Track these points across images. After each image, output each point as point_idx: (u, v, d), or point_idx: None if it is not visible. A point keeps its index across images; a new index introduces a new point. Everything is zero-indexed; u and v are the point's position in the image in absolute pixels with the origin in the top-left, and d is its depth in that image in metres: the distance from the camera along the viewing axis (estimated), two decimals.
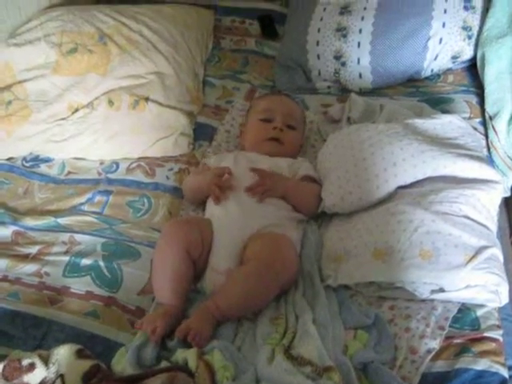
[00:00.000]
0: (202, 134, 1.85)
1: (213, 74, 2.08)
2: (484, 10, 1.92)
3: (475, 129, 1.64)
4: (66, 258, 1.43)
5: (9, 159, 1.79)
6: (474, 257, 1.26)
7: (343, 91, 1.99)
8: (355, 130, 1.56)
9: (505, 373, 1.12)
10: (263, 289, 1.27)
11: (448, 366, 1.14)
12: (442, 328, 1.20)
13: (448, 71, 1.98)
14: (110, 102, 1.79)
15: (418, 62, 1.91)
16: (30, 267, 1.42)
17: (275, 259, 1.29)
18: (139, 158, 1.76)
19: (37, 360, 1.08)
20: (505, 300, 1.25)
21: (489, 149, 1.68)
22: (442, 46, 1.90)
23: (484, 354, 1.14)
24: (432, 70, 1.95)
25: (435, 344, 1.17)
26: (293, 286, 1.33)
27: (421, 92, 1.91)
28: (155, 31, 1.94)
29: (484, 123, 1.74)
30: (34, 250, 1.47)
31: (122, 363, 1.16)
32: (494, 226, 1.37)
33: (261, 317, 1.27)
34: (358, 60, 1.93)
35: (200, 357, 1.12)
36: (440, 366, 1.15)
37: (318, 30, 1.99)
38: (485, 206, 1.36)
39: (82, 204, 1.61)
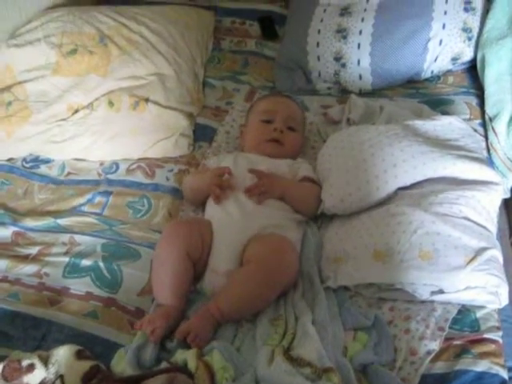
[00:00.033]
0: (201, 135, 1.85)
1: (213, 75, 2.09)
2: (484, 12, 1.92)
3: (475, 130, 1.63)
4: (66, 259, 1.43)
5: (9, 160, 1.80)
6: (473, 258, 1.26)
7: (343, 92, 1.99)
8: (355, 131, 1.56)
9: (504, 374, 1.12)
10: (264, 291, 1.28)
11: (448, 368, 1.14)
12: (441, 329, 1.20)
13: (448, 73, 1.98)
14: (110, 103, 1.79)
15: (418, 63, 1.92)
16: (30, 268, 1.42)
17: (276, 261, 1.29)
18: (139, 159, 1.76)
19: (36, 361, 1.09)
20: (504, 301, 1.25)
21: (489, 150, 1.68)
22: (442, 48, 1.90)
23: (484, 355, 1.14)
24: (432, 72, 1.95)
25: (435, 345, 1.17)
26: (292, 286, 1.33)
27: (421, 93, 1.91)
28: (155, 32, 1.95)
29: (484, 125, 1.74)
30: (33, 250, 1.47)
31: (122, 364, 1.16)
32: (493, 227, 1.37)
33: (260, 318, 1.27)
34: (358, 61, 1.93)
35: (199, 358, 1.13)
36: (440, 367, 1.15)
37: (318, 32, 1.99)
38: (485, 207, 1.36)
39: (81, 205, 1.61)
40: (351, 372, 1.11)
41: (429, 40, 1.89)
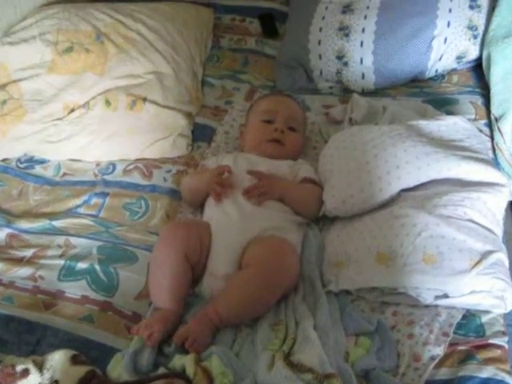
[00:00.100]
0: (200, 135, 1.85)
1: (212, 74, 2.09)
2: (490, 9, 1.93)
3: (480, 130, 1.64)
4: (61, 262, 1.43)
5: (3, 160, 1.80)
6: (479, 262, 1.26)
7: (345, 92, 1.99)
8: (357, 131, 1.56)
9: (510, 381, 1.12)
10: (264, 295, 1.28)
11: (452, 374, 1.14)
12: (446, 334, 1.20)
13: (453, 71, 1.98)
14: (107, 102, 1.79)
15: (422, 62, 1.92)
16: (25, 271, 1.42)
17: (276, 264, 1.29)
18: (136, 160, 1.76)
19: (31, 366, 1.09)
20: (510, 306, 1.25)
21: (494, 151, 1.68)
22: (446, 46, 1.91)
23: (489, 361, 1.14)
24: (436, 71, 1.96)
25: (439, 351, 1.17)
26: (293, 290, 1.33)
27: (425, 93, 1.91)
28: (153, 30, 1.95)
29: (490, 125, 1.75)
30: (28, 253, 1.47)
31: (118, 369, 1.16)
32: (499, 230, 1.37)
33: (260, 322, 1.27)
34: (361, 60, 1.93)
35: (198, 363, 1.13)
36: (444, 373, 1.15)
37: (320, 29, 1.99)
38: (490, 209, 1.36)
39: (77, 206, 1.62)
40: (353, 378, 1.11)
41: (433, 38, 1.90)
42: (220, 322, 1.25)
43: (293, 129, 1.67)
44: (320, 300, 1.29)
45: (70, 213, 1.60)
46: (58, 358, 1.11)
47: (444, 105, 1.80)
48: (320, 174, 1.57)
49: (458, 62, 1.96)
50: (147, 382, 1.08)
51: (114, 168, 1.74)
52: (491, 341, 1.18)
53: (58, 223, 1.55)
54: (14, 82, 1.82)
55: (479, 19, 1.92)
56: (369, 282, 1.31)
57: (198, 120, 1.90)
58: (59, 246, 1.48)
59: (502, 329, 1.21)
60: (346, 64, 1.95)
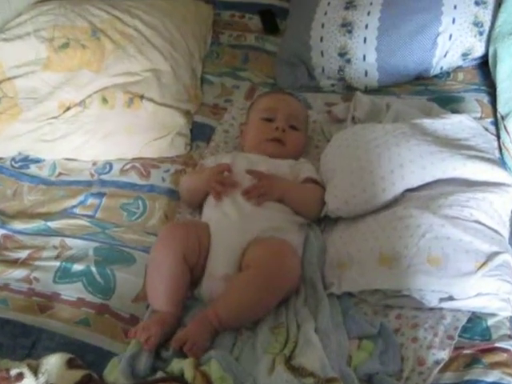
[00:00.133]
0: (199, 134, 1.86)
1: (211, 71, 2.09)
2: (496, 5, 1.92)
3: (486, 129, 1.64)
4: (57, 263, 1.43)
5: None
6: (485, 263, 1.26)
7: (348, 89, 1.99)
8: (360, 130, 1.56)
9: None
10: (264, 298, 1.28)
11: (457, 378, 1.14)
12: (451, 338, 1.20)
13: (458, 69, 1.98)
14: (104, 100, 1.79)
15: (427, 59, 1.92)
16: (19, 272, 1.42)
17: (276, 266, 1.29)
18: (134, 159, 1.76)
19: (26, 370, 1.09)
20: None
21: (501, 150, 1.68)
22: (451, 43, 1.91)
23: (495, 365, 1.14)
24: (441, 68, 1.96)
25: (444, 355, 1.17)
26: (294, 293, 1.34)
27: (429, 90, 1.91)
28: (150, 25, 1.95)
29: (496, 123, 1.74)
30: (23, 254, 1.48)
31: (115, 374, 1.16)
32: (505, 231, 1.37)
33: (260, 325, 1.27)
34: (364, 57, 1.93)
35: (197, 367, 1.13)
36: (449, 377, 1.15)
37: (322, 26, 1.99)
38: (497, 210, 1.36)
39: (73, 207, 1.62)
40: (356, 382, 1.11)
41: (438, 35, 1.90)
42: (220, 325, 1.25)
43: (294, 127, 1.68)
44: (321, 302, 1.29)
45: (65, 213, 1.60)
46: (53, 362, 1.11)
47: (449, 103, 1.80)
48: (322, 174, 1.57)
49: (464, 59, 1.96)
50: None
51: (111, 167, 1.75)
52: (497, 344, 1.18)
53: (53, 224, 1.56)
54: (9, 79, 1.83)
55: (485, 15, 1.92)
56: (372, 284, 1.31)
57: (197, 118, 1.90)
58: (55, 247, 1.49)
59: (509, 332, 1.21)
60: (348, 61, 1.95)
